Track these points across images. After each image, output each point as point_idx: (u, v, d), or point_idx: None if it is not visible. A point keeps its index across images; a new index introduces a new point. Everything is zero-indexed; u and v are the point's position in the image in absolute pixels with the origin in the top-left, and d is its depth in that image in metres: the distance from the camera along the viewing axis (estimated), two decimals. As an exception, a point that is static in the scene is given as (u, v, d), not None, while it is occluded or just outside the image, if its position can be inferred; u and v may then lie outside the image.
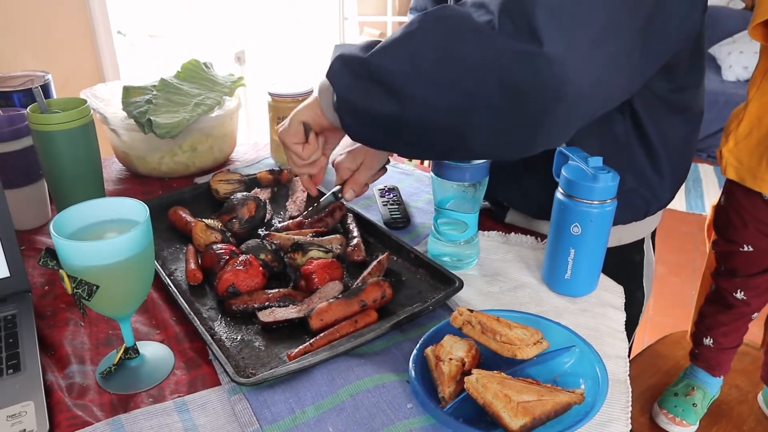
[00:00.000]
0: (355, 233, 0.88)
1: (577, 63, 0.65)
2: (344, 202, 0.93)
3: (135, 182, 1.12)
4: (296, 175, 0.95)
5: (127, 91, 1.06)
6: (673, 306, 2.51)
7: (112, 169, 1.18)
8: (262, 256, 0.81)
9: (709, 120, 3.86)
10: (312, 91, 1.09)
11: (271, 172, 1.02)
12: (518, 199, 0.97)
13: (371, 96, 0.71)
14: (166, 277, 0.79)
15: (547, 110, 0.66)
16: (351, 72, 0.73)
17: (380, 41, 0.73)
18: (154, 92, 1.06)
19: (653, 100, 0.86)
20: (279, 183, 1.03)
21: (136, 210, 0.64)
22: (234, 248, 0.83)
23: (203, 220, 0.87)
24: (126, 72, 2.14)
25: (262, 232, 0.92)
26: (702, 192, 3.61)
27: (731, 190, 1.15)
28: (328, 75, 0.75)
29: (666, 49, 0.75)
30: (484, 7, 0.67)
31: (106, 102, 1.13)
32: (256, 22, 2.80)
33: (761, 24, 0.96)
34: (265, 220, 0.94)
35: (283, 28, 2.66)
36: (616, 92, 0.72)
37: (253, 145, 1.24)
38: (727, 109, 3.79)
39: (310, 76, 2.72)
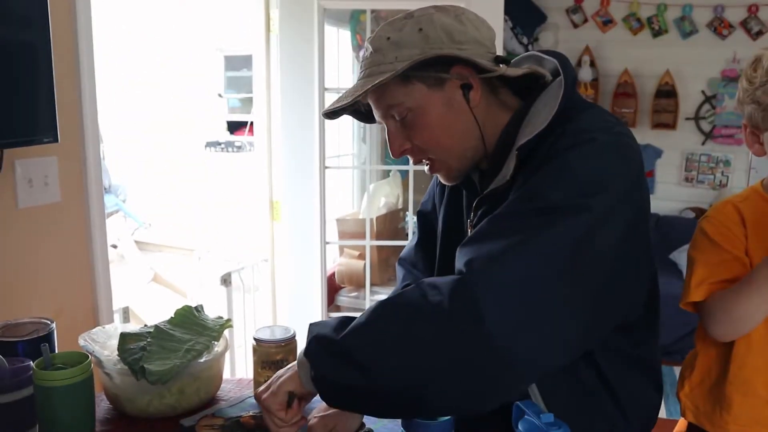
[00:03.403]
0: None
1: (520, 339, 0.78)
2: None
3: (122, 423, 1.17)
4: None
5: (124, 338, 1.15)
6: None
7: (100, 407, 1.23)
8: None
9: (678, 324, 4.00)
10: (294, 336, 1.20)
11: (254, 417, 1.08)
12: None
13: (343, 370, 0.83)
14: None
15: (494, 378, 0.78)
16: (325, 351, 0.86)
17: (351, 318, 0.86)
18: (149, 339, 1.15)
19: (612, 354, 0.96)
20: (261, 427, 1.09)
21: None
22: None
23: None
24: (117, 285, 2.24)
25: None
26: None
27: (693, 429, 1.21)
28: (306, 354, 0.88)
29: (611, 319, 0.88)
30: (437, 288, 0.81)
31: (101, 345, 1.21)
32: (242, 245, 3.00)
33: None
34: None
35: (267, 253, 2.85)
36: (560, 358, 0.84)
37: (237, 382, 1.31)
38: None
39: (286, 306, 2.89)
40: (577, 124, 0.88)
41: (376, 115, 1.01)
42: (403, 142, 0.99)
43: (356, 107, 1.06)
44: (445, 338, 0.78)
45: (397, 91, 0.95)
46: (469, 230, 1.02)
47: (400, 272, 1.28)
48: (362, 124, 3.49)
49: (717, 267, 1.07)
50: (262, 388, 0.97)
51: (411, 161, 1.04)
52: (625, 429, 0.99)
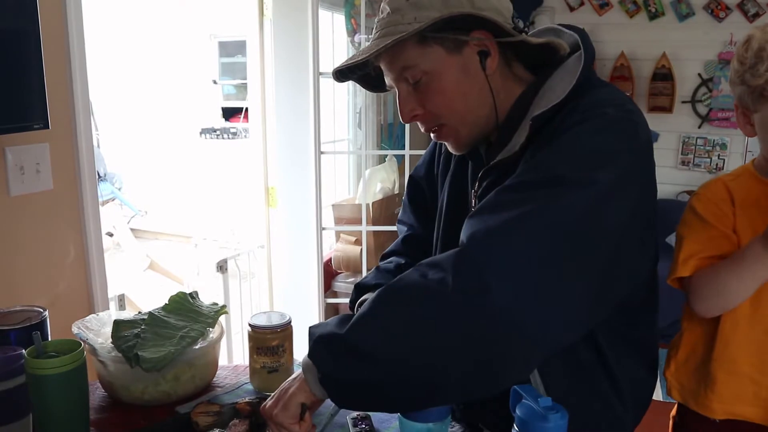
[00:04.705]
0: None
1: (527, 311, 0.76)
2: None
3: (117, 411, 1.16)
4: None
5: (118, 325, 1.15)
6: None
7: (95, 395, 1.22)
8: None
9: (675, 307, 4.01)
10: (290, 321, 1.19)
11: (249, 403, 1.07)
12: (496, 421, 1.02)
13: (351, 367, 0.81)
14: None
15: (504, 354, 0.77)
16: (330, 350, 0.83)
17: (352, 315, 0.84)
18: (143, 326, 1.15)
19: (612, 334, 0.95)
20: (257, 414, 1.08)
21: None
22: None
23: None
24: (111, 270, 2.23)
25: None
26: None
27: (682, 408, 1.22)
28: (311, 356, 0.85)
29: (616, 295, 0.87)
30: (437, 266, 0.80)
31: (95, 332, 1.20)
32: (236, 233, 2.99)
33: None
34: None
35: (263, 239, 2.84)
36: (569, 332, 0.83)
37: (233, 369, 1.30)
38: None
39: (283, 292, 2.88)
40: (590, 99, 0.87)
41: (388, 78, 0.99)
42: (415, 106, 0.97)
43: (366, 72, 1.03)
44: (452, 314, 0.76)
45: (413, 53, 0.93)
46: (473, 201, 1.01)
47: (400, 229, 1.28)
48: (357, 109, 3.48)
49: (705, 243, 1.07)
50: (269, 403, 0.92)
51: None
52: (621, 410, 0.98)
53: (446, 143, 1.03)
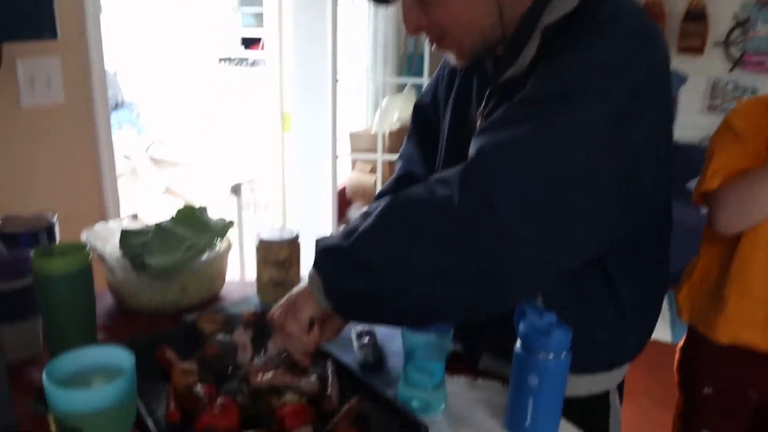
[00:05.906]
0: (330, 382, 0.92)
1: (533, 229, 0.75)
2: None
3: (125, 318, 1.18)
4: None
5: (126, 234, 1.15)
6: (658, 442, 2.49)
7: (104, 303, 1.24)
8: (239, 399, 0.85)
9: (689, 251, 3.97)
10: (298, 236, 1.18)
11: (254, 314, 1.08)
12: (498, 343, 1.02)
13: (355, 278, 0.80)
14: (148, 416, 0.83)
15: (508, 271, 0.76)
16: (334, 260, 0.82)
17: (357, 227, 0.82)
18: (150, 236, 1.14)
19: (622, 260, 0.93)
20: (261, 324, 1.09)
21: (123, 358, 0.70)
22: (213, 390, 0.87)
23: (182, 362, 0.92)
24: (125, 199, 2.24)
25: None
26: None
27: (692, 333, 1.22)
28: (316, 266, 0.85)
29: (628, 219, 0.84)
30: (445, 182, 0.78)
31: (104, 240, 1.21)
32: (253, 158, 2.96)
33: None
34: (238, 363, 0.97)
35: (277, 164, 2.83)
36: (575, 255, 0.81)
37: (240, 283, 1.31)
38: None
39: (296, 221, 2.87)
40: (605, 10, 0.82)
41: None
42: (420, 16, 0.93)
43: None
44: (457, 229, 0.75)
45: None
46: (479, 121, 0.98)
47: (398, 164, 1.24)
48: (377, 37, 3.39)
49: (735, 158, 1.06)
50: (277, 312, 0.91)
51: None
52: (625, 339, 0.98)
53: (449, 54, 0.99)
